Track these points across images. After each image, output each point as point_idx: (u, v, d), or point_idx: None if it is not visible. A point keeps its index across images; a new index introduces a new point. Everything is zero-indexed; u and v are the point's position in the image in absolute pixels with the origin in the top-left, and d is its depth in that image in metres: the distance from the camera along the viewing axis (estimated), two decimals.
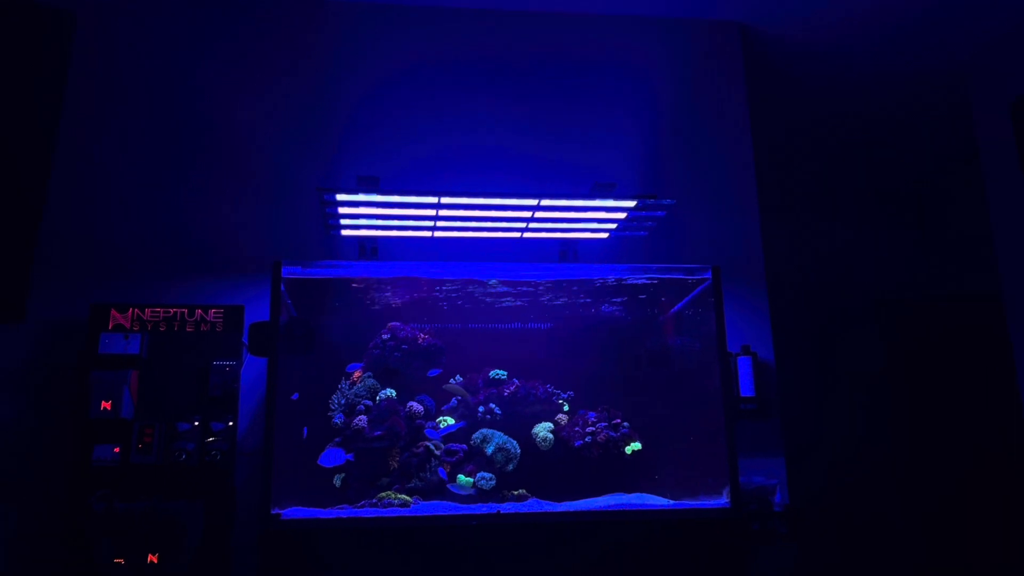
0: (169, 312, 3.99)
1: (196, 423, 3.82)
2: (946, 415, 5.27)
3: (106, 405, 3.75)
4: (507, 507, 3.48)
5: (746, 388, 4.43)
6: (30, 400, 3.99)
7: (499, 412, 3.87)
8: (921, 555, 4.89)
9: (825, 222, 5.52)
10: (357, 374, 3.91)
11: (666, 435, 3.99)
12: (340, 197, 3.59)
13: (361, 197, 3.58)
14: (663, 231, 4.58)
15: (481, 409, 3.86)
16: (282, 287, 3.53)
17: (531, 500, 3.63)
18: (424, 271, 3.94)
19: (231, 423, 3.81)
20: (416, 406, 3.80)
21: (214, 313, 4.02)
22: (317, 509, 3.48)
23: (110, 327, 3.91)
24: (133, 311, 3.96)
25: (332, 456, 3.68)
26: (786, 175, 5.48)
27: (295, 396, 3.79)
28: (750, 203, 4.82)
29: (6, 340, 4.03)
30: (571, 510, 3.41)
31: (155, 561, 3.58)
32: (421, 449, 3.69)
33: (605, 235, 4.08)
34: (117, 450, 3.75)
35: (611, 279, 3.96)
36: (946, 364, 5.43)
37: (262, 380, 3.67)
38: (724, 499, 3.49)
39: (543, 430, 3.85)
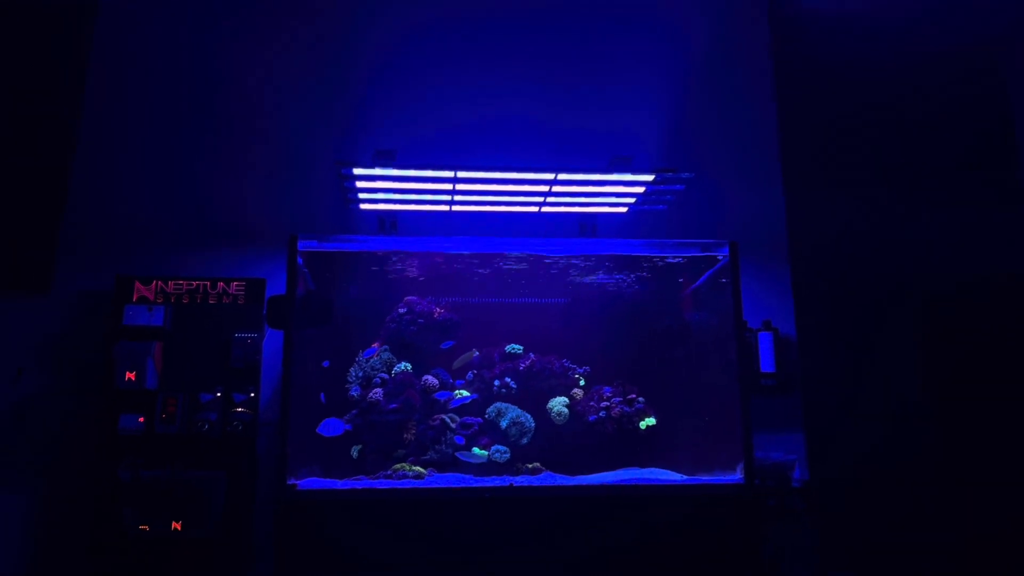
0: (192, 284, 4.04)
1: (218, 394, 3.88)
2: (996, 408, 5.08)
3: (130, 376, 3.82)
4: (520, 480, 3.50)
5: (766, 364, 4.39)
6: (58, 370, 4.07)
7: (514, 386, 3.88)
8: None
9: (867, 198, 5.38)
10: (375, 345, 3.94)
11: (681, 410, 3.98)
12: (357, 171, 3.59)
13: (378, 171, 3.59)
14: (684, 205, 4.54)
15: (497, 383, 3.88)
16: (299, 261, 3.56)
17: (545, 473, 3.65)
18: (441, 245, 3.93)
19: (252, 394, 3.86)
20: (431, 379, 3.83)
21: (236, 286, 4.06)
22: (333, 480, 3.53)
23: (134, 299, 3.98)
24: (157, 283, 4.02)
25: (330, 426, 3.72)
26: (821, 148, 5.35)
27: (326, 363, 3.83)
28: (774, 177, 4.74)
29: (34, 312, 4.11)
30: (583, 484, 3.43)
31: (179, 528, 3.66)
32: (437, 422, 3.72)
33: (624, 209, 4.05)
34: (142, 420, 3.83)
35: (628, 254, 3.93)
36: (995, 350, 5.23)
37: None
38: (738, 475, 3.48)
39: (558, 404, 3.86)
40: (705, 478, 3.61)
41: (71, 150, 4.34)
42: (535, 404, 3.89)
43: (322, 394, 3.87)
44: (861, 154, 5.26)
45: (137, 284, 4.01)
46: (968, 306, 5.22)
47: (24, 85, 4.31)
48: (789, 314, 4.59)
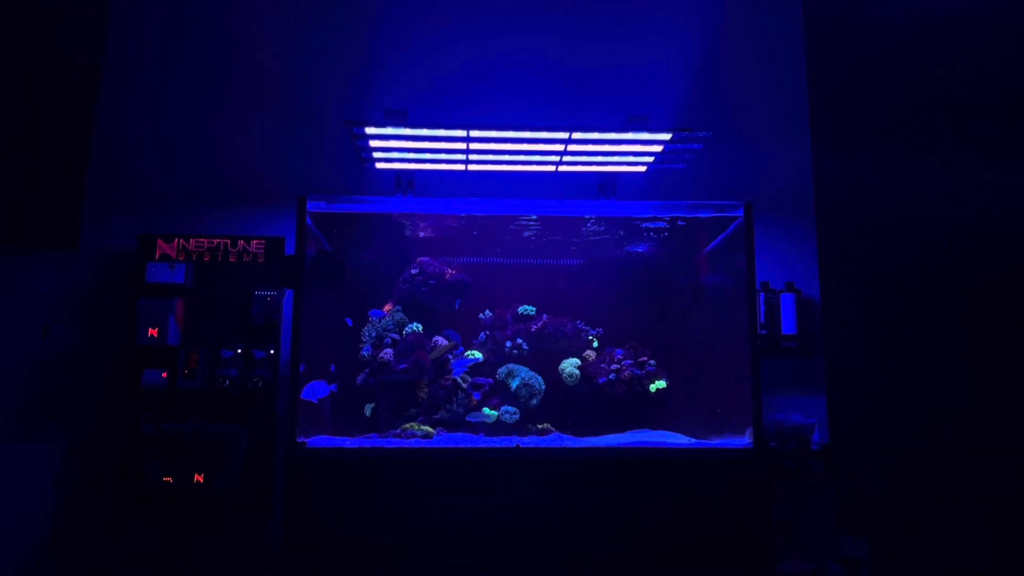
0: (213, 243, 4.10)
1: (239, 351, 3.95)
2: None
3: (153, 332, 3.90)
4: (528, 440, 3.52)
5: (788, 326, 4.33)
6: (86, 326, 4.17)
7: (526, 347, 3.89)
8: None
9: (903, 157, 5.19)
10: (388, 307, 3.97)
11: (693, 374, 3.95)
12: (369, 130, 3.58)
13: (389, 130, 3.57)
14: (707, 163, 4.45)
15: (508, 344, 3.88)
16: (308, 221, 3.58)
17: (553, 434, 3.67)
18: (452, 207, 3.92)
19: (272, 351, 3.93)
20: (441, 340, 3.85)
21: (256, 244, 4.11)
22: (342, 438, 3.58)
23: (156, 257, 4.06)
24: (178, 241, 4.09)
25: (314, 390, 3.75)
26: (856, 105, 5.16)
27: (349, 322, 3.87)
28: (803, 135, 4.61)
29: (63, 269, 4.21)
30: (589, 446, 3.44)
31: (200, 481, 3.75)
32: (449, 382, 3.74)
33: (643, 168, 3.98)
34: (165, 375, 3.92)
35: (644, 216, 3.87)
36: None
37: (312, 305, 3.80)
38: (747, 439, 3.45)
39: (570, 366, 3.86)
40: (714, 442, 3.59)
41: (93, 109, 4.38)
42: (547, 366, 3.89)
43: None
44: (900, 111, 5.07)
45: (159, 242, 4.08)
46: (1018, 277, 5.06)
47: (45, 51, 4.34)
48: (813, 276, 4.49)
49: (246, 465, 3.80)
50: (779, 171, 4.58)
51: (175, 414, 3.87)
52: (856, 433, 4.60)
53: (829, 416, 4.38)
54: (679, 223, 3.92)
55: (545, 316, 3.97)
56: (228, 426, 3.82)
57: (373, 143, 3.71)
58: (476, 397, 3.74)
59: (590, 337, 3.97)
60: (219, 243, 4.11)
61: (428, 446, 3.42)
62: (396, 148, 3.78)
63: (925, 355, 4.94)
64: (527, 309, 3.97)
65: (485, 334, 3.91)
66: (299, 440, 3.35)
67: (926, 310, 4.98)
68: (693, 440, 3.59)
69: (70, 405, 4.10)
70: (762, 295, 4.32)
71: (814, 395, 4.41)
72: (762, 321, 4.31)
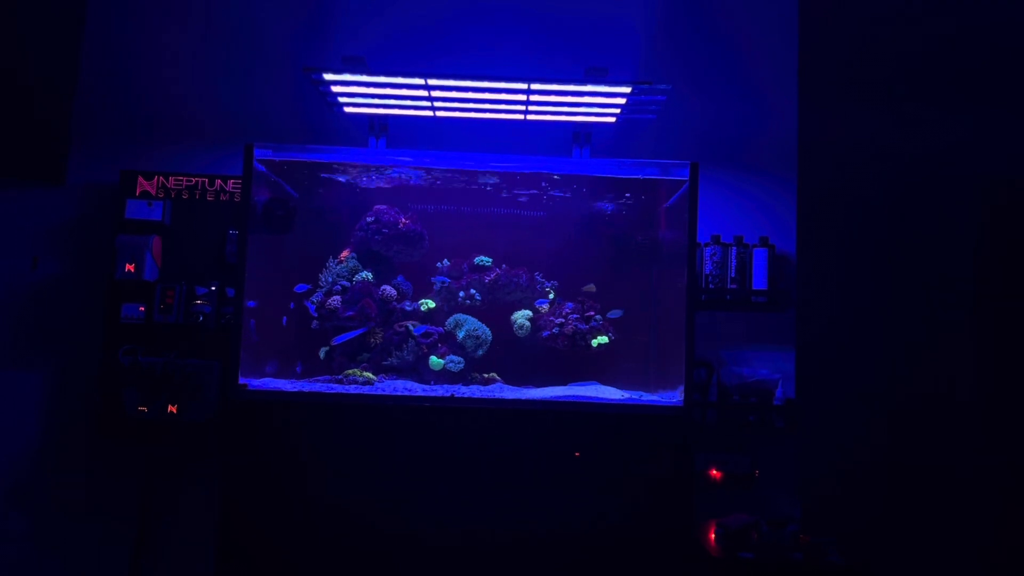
0: (191, 180, 4.21)
1: (213, 288, 4.09)
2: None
3: (130, 267, 4.05)
4: (466, 391, 3.60)
5: (759, 280, 4.31)
6: (71, 259, 4.33)
7: (479, 298, 3.93)
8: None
9: (894, 112, 5.02)
10: (344, 253, 4.03)
11: (638, 329, 3.98)
12: (327, 76, 3.59)
13: (347, 77, 3.57)
14: (681, 114, 4.38)
15: (461, 294, 3.93)
16: (258, 167, 3.65)
17: (496, 384, 3.75)
18: (421, 158, 3.88)
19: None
20: (389, 289, 3.91)
21: (232, 184, 4.21)
22: (283, 381, 3.71)
23: (137, 193, 4.17)
24: (158, 179, 4.20)
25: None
26: (845, 57, 4.97)
27: (301, 288, 3.98)
28: (783, 84, 4.47)
29: (48, 203, 4.35)
30: (521, 398, 3.50)
31: (174, 411, 3.94)
32: (402, 329, 3.82)
33: (612, 119, 3.93)
34: (142, 309, 4.09)
35: (605, 173, 3.83)
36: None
37: (275, 248, 3.89)
38: (677, 396, 3.48)
39: (521, 317, 3.90)
40: (646, 397, 3.63)
41: (78, 47, 4.45)
42: (501, 317, 3.94)
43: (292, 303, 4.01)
44: (888, 65, 4.88)
45: (140, 179, 4.20)
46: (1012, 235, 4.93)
47: None
48: (789, 231, 4.43)
49: (219, 398, 3.95)
50: (761, 126, 4.47)
51: (154, 347, 4.04)
52: (821, 390, 4.61)
53: (797, 372, 4.38)
54: (638, 180, 3.88)
55: (502, 267, 4.00)
56: (201, 361, 3.97)
57: (335, 88, 3.72)
58: (424, 343, 3.81)
59: (546, 289, 4.00)
60: (197, 181, 4.21)
61: (367, 392, 3.52)
62: (361, 94, 3.78)
63: (896, 316, 4.89)
64: (483, 260, 4.00)
65: (440, 284, 3.95)
66: (241, 382, 3.47)
67: (901, 270, 4.91)
68: (625, 396, 3.63)
69: (57, 335, 4.29)
70: (734, 249, 4.30)
71: (785, 350, 4.40)
72: (733, 275, 4.30)
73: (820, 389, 4.60)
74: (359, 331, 3.83)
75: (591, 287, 4.05)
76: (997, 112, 4.98)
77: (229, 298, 4.05)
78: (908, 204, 5.05)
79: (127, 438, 4.02)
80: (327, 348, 3.85)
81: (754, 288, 4.30)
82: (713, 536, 3.71)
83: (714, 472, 4.07)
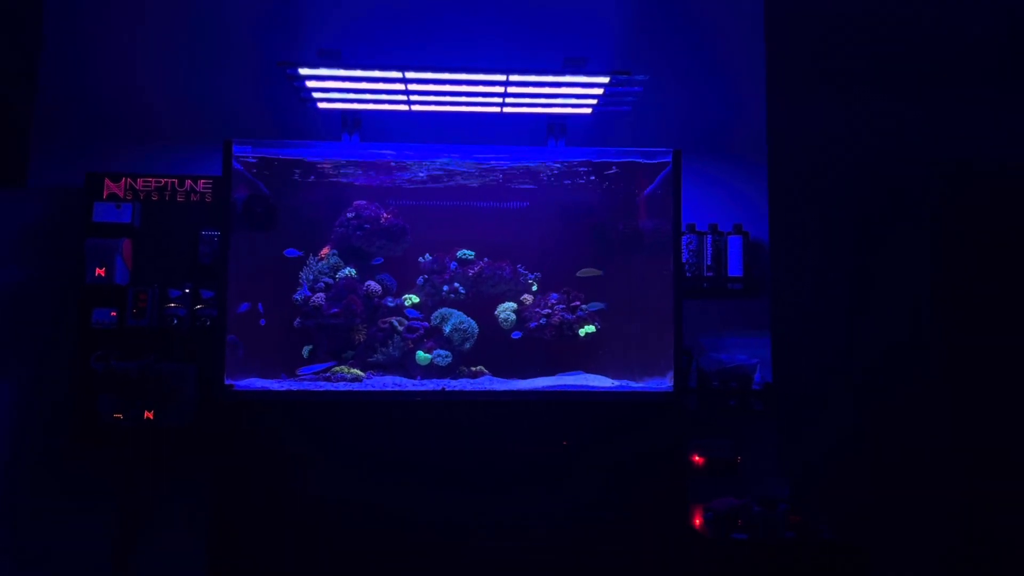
0: (160, 182, 4.11)
1: (187, 290, 4.00)
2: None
3: (100, 272, 3.95)
4: (456, 384, 3.59)
5: (734, 268, 4.37)
6: (36, 264, 4.20)
7: (463, 291, 3.92)
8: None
9: (862, 102, 5.11)
10: (325, 250, 3.98)
11: (623, 318, 4.00)
12: (302, 71, 3.54)
13: (323, 71, 3.53)
14: (657, 104, 4.41)
15: (446, 288, 3.91)
16: (235, 164, 3.59)
17: (484, 377, 3.74)
18: (399, 151, 3.86)
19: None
20: (374, 285, 3.87)
21: (203, 183, 4.12)
22: (269, 380, 3.65)
23: (104, 196, 4.06)
24: (126, 180, 4.09)
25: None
26: (812, 48, 5.05)
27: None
28: (756, 73, 4.54)
29: (10, 206, 4.20)
30: (512, 389, 3.50)
31: (151, 417, 3.85)
32: (387, 325, 3.79)
33: (588, 111, 3.94)
34: (114, 314, 3.98)
35: (585, 161, 3.84)
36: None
37: (252, 248, 3.82)
38: (667, 382, 3.51)
39: (506, 310, 3.90)
40: (635, 385, 3.66)
41: (39, 46, 4.33)
42: (485, 310, 3.93)
43: (260, 304, 3.94)
44: (857, 56, 4.98)
45: (107, 181, 4.09)
46: (973, 216, 5.06)
47: None
48: (762, 218, 4.50)
49: (198, 403, 3.86)
50: (734, 115, 4.53)
51: (127, 352, 3.93)
52: (797, 373, 4.69)
53: (773, 356, 4.45)
54: (620, 168, 3.90)
55: (485, 260, 3.99)
56: (177, 365, 3.89)
57: (310, 83, 3.67)
58: (410, 338, 3.78)
59: (530, 281, 4.00)
60: (166, 182, 4.12)
61: (357, 389, 3.48)
62: (336, 89, 3.74)
63: (865, 299, 5.00)
64: (466, 253, 3.98)
65: (424, 278, 3.93)
66: (227, 383, 3.41)
67: (868, 254, 5.01)
68: (615, 383, 3.65)
69: (27, 342, 4.16)
70: (709, 238, 4.35)
71: (760, 336, 4.47)
72: (709, 263, 4.36)
73: (796, 372, 4.68)
74: (326, 364, 3.79)
75: (593, 271, 4.03)
76: (955, 102, 5.12)
77: (204, 300, 3.97)
78: (874, 190, 5.15)
79: (104, 446, 3.91)
80: (310, 347, 3.79)
81: (730, 275, 4.36)
82: (701, 520, 3.75)
83: (696, 458, 4.11)
